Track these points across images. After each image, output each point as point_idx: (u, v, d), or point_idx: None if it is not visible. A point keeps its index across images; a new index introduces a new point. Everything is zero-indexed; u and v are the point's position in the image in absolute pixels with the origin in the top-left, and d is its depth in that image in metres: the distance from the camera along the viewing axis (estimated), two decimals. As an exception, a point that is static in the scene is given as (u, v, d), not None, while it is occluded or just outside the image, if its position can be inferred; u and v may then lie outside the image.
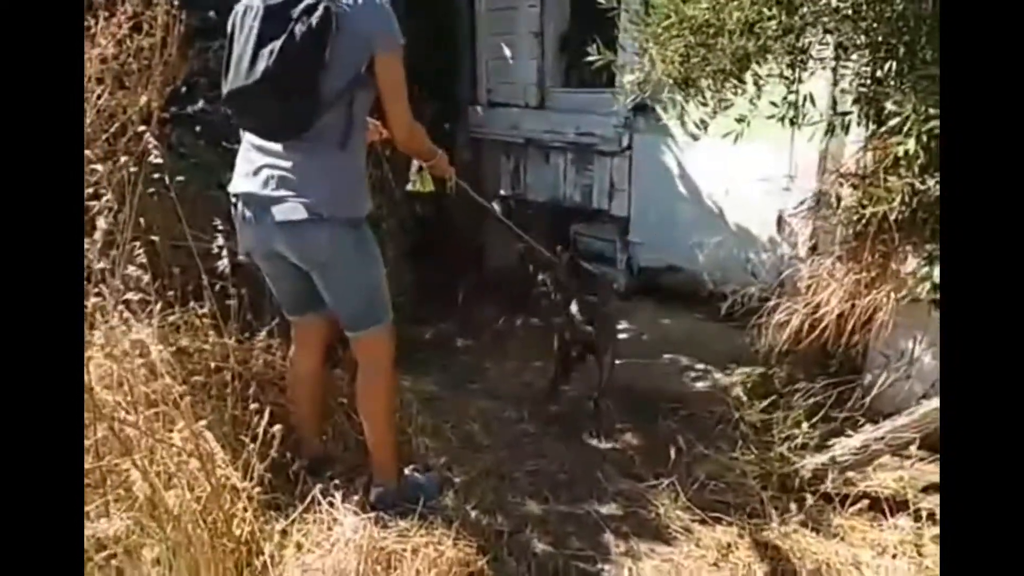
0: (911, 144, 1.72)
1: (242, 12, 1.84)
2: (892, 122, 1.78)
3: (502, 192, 4.56)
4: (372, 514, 1.91)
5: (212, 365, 2.17)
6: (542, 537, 2.03)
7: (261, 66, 1.76)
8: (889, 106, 1.83)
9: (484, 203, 3.00)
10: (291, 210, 1.84)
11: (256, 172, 1.89)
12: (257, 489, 1.73)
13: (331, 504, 1.90)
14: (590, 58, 2.17)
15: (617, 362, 2.82)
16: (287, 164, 1.86)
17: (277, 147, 1.88)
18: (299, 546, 1.82)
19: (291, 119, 1.84)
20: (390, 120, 1.94)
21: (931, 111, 1.74)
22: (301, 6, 1.80)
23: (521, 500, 2.20)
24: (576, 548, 2.00)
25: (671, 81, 2.23)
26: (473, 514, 2.08)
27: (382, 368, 2.06)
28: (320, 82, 1.80)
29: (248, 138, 1.96)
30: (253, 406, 1.75)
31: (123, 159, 1.92)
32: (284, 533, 1.85)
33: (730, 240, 3.33)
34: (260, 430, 1.73)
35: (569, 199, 4.24)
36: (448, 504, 2.11)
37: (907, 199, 2.09)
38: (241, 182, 1.94)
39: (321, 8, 1.79)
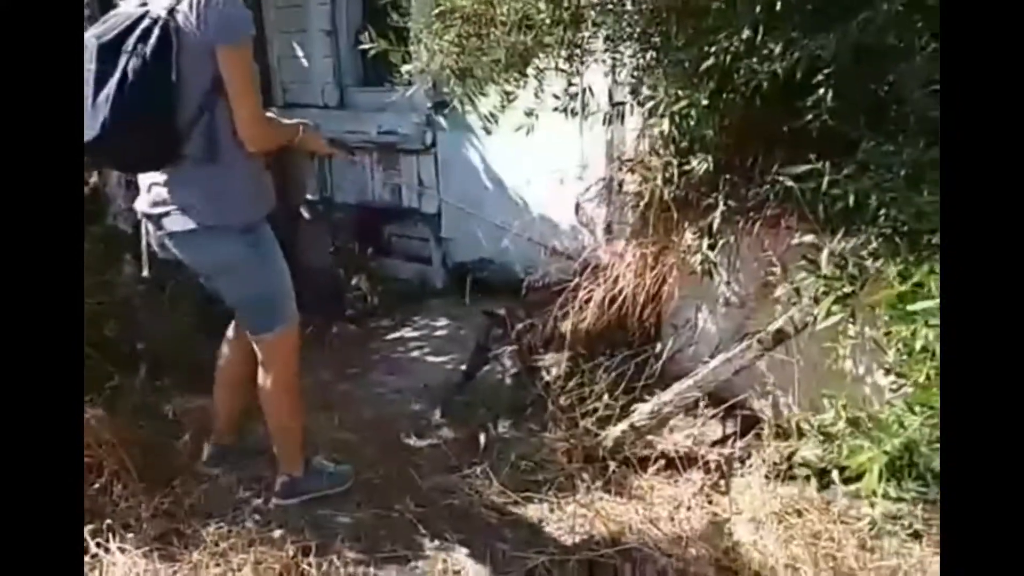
0: (665, 124, 1.86)
1: (88, 50, 1.65)
2: (648, 105, 1.92)
3: (309, 196, 4.38)
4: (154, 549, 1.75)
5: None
6: (353, 545, 1.96)
7: (100, 118, 1.63)
8: (644, 91, 1.96)
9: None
10: (175, 222, 1.86)
11: (148, 190, 1.90)
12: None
13: (106, 551, 1.71)
14: (363, 46, 2.12)
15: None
16: (164, 179, 1.85)
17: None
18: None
19: (147, 159, 1.83)
20: (235, 119, 1.78)
21: (680, 93, 1.89)
22: (136, 34, 1.64)
23: (331, 512, 2.12)
24: (389, 551, 1.95)
25: (450, 72, 2.25)
26: (278, 533, 1.96)
27: (286, 368, 2.04)
28: (174, 108, 1.72)
29: None
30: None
31: None
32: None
33: (533, 228, 3.43)
34: None
35: (379, 199, 4.16)
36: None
37: (674, 179, 2.26)
38: (140, 200, 1.95)
39: (157, 30, 1.65)
